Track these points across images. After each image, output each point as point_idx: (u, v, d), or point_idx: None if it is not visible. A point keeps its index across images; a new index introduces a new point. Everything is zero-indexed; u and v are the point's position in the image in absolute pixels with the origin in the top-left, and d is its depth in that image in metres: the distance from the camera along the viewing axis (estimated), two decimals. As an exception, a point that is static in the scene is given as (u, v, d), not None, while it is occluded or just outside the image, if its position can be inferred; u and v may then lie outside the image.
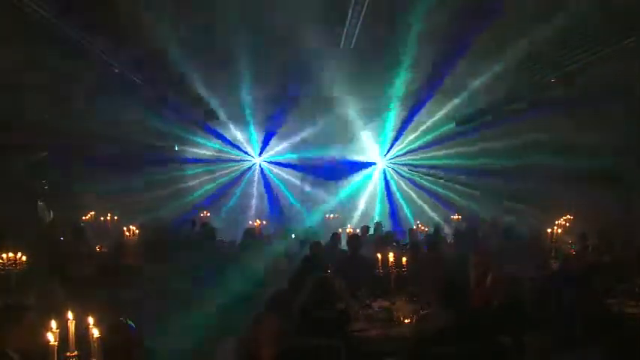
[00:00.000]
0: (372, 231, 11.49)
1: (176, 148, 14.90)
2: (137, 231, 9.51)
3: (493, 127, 12.80)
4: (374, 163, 15.85)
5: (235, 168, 15.81)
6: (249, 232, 10.10)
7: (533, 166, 12.61)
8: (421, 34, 7.98)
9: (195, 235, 10.49)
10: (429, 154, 15.13)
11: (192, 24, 7.83)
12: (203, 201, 14.87)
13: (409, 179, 15.89)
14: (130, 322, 3.45)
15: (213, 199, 15.11)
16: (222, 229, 11.34)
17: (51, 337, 2.64)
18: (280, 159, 15.76)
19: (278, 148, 15.43)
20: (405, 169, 15.91)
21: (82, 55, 8.37)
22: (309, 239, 8.60)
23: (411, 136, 14.74)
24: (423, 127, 14.17)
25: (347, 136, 14.50)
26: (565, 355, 3.81)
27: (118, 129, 11.92)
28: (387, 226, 13.15)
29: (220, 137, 14.82)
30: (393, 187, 16.00)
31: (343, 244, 8.78)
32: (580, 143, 11.04)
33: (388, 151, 15.51)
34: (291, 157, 15.59)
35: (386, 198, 15.90)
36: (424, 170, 15.65)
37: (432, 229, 11.73)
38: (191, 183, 15.16)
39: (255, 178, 15.97)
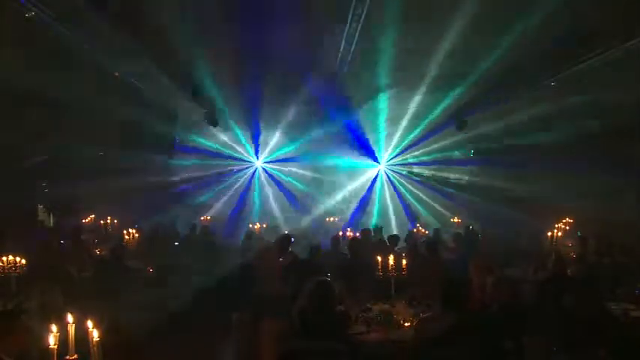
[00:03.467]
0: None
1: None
2: (137, 234, 9.50)
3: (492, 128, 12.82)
4: (374, 166, 15.86)
5: (235, 171, 15.82)
6: (249, 235, 10.10)
7: (533, 169, 12.61)
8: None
9: (195, 238, 10.49)
10: (428, 158, 15.14)
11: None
12: (203, 204, 14.87)
13: (408, 182, 15.88)
14: None
15: (214, 202, 15.12)
16: (222, 231, 11.33)
17: (51, 340, 2.64)
18: (280, 164, 15.78)
19: (278, 152, 15.45)
20: (405, 171, 15.91)
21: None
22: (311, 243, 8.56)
23: (410, 139, 14.75)
24: (422, 131, 14.18)
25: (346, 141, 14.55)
26: (565, 358, 3.81)
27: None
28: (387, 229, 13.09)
29: (220, 141, 14.83)
30: (393, 190, 15.99)
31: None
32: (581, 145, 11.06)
33: (388, 155, 15.51)
34: (292, 162, 15.61)
35: (385, 201, 15.89)
36: (423, 172, 15.66)
37: (431, 232, 11.70)
38: (191, 186, 15.15)
39: (255, 181, 15.98)
